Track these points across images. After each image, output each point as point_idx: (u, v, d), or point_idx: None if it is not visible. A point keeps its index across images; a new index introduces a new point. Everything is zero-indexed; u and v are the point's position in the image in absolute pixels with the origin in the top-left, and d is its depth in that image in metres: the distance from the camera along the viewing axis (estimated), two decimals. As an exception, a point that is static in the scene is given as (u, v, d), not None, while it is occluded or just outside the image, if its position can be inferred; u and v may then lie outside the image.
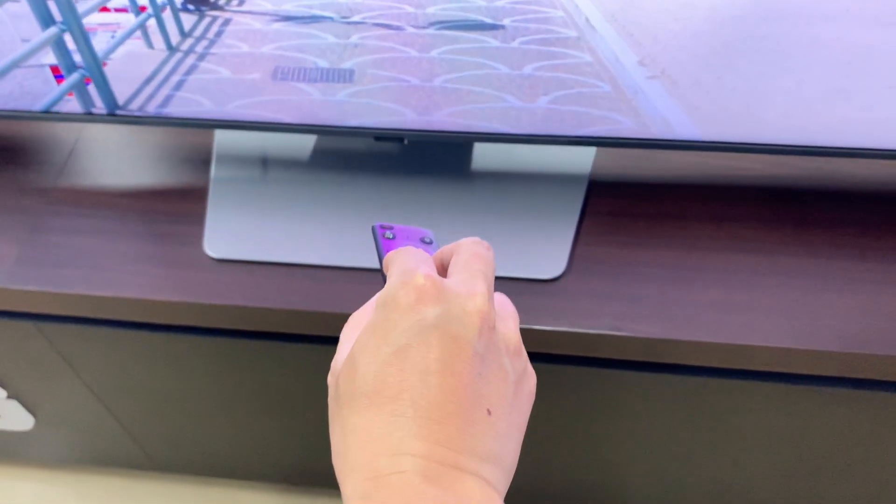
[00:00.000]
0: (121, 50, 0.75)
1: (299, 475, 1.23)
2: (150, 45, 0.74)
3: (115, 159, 0.89)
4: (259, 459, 1.17)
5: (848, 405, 0.78)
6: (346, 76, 0.74)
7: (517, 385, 0.37)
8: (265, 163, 0.85)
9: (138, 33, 0.74)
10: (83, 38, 0.74)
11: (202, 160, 0.86)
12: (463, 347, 0.35)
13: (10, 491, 1.34)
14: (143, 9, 0.72)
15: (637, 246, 0.77)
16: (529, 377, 0.39)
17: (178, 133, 0.89)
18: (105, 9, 0.73)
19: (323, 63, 0.73)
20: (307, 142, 0.86)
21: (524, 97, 0.73)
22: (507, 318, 0.39)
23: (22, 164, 0.89)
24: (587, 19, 0.67)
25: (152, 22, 0.73)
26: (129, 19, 0.73)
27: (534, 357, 0.76)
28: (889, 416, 0.79)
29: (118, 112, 0.77)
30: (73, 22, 0.74)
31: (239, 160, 0.85)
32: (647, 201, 0.80)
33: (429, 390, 0.34)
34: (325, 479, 1.23)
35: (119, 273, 0.78)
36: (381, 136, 0.76)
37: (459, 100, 0.73)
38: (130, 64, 0.76)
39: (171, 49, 0.74)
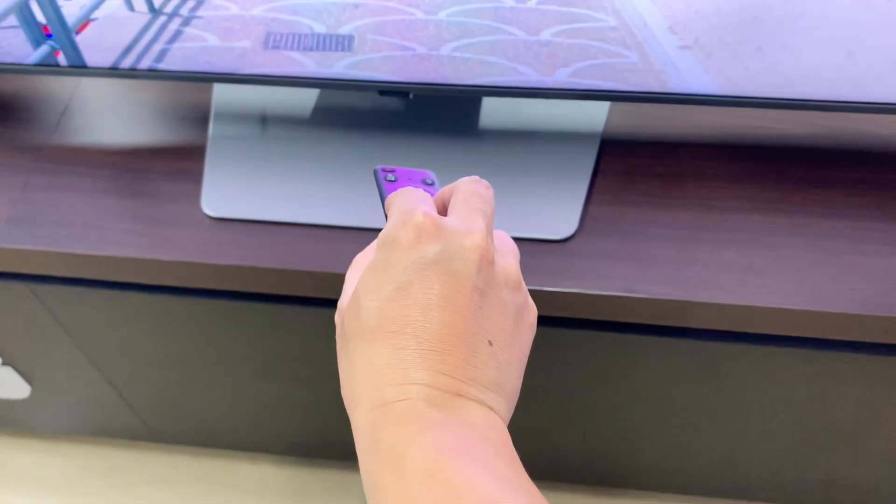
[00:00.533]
0: (97, 13, 0.70)
1: (299, 446, 1.21)
2: (130, 7, 0.70)
3: (110, 117, 0.86)
4: (258, 429, 1.15)
5: (870, 371, 0.76)
6: (344, 43, 0.70)
7: (517, 317, 0.39)
8: (265, 120, 0.82)
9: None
10: (51, 5, 0.70)
11: (200, 118, 0.84)
12: (462, 283, 0.36)
13: (9, 461, 1.33)
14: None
15: (651, 206, 0.74)
16: (530, 310, 0.40)
17: (175, 89, 0.86)
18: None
19: (319, 27, 0.69)
20: (308, 98, 0.83)
21: (542, 68, 0.68)
22: (507, 253, 0.40)
23: (14, 122, 0.86)
24: None
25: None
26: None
27: (543, 319, 0.74)
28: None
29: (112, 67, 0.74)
30: (54, 16, 0.69)
31: (238, 117, 0.82)
32: (661, 160, 0.77)
33: (430, 324, 0.35)
34: (325, 451, 1.21)
35: (114, 232, 0.76)
36: (386, 89, 0.73)
37: (470, 72, 0.69)
38: (108, 30, 0.71)
39: (154, 12, 0.70)
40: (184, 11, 0.69)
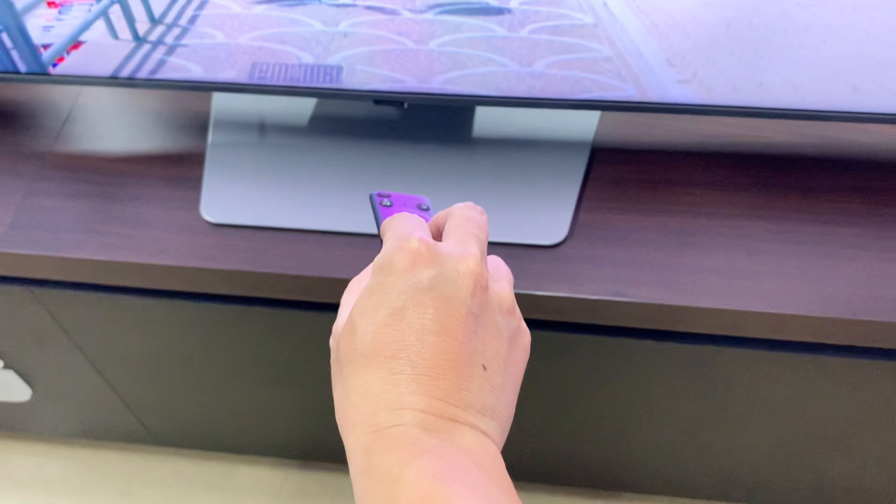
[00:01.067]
0: (85, 35, 0.68)
1: (297, 449, 1.22)
2: (114, 34, 0.69)
3: (112, 125, 0.87)
4: (257, 432, 1.17)
5: (855, 374, 0.77)
6: (332, 76, 0.69)
7: (511, 342, 0.39)
8: (263, 128, 0.84)
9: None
10: (25, 42, 0.68)
11: (199, 125, 0.85)
12: (457, 307, 0.36)
13: (9, 464, 1.34)
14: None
15: (640, 212, 0.75)
16: (523, 334, 0.40)
17: (175, 98, 0.88)
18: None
19: (307, 57, 0.67)
20: (306, 107, 0.84)
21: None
22: (501, 278, 0.41)
23: (17, 130, 0.87)
24: (605, 3, 0.61)
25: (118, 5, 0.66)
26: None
27: (535, 323, 0.76)
28: None
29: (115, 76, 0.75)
30: (12, 21, 0.67)
31: (236, 125, 0.84)
32: (650, 168, 0.78)
33: (425, 349, 0.35)
34: (322, 454, 1.22)
35: (115, 237, 0.77)
36: (381, 99, 0.74)
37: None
38: (90, 60, 0.70)
39: (138, 40, 0.68)
40: (168, 39, 0.68)
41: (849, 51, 0.62)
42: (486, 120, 0.82)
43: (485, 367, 0.36)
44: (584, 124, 0.80)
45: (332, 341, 0.40)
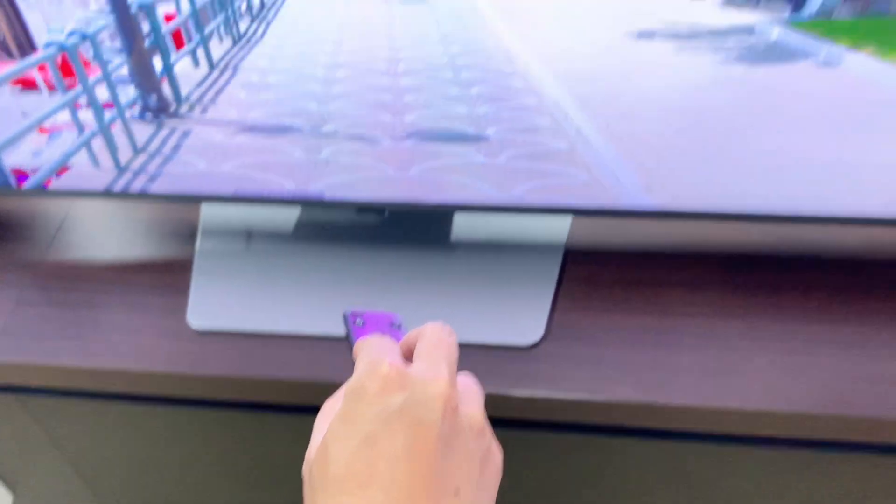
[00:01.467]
0: (72, 160, 0.69)
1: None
2: (95, 163, 0.69)
3: (103, 234, 0.90)
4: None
5: (829, 469, 0.78)
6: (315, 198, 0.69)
7: (483, 463, 0.39)
8: (249, 236, 0.87)
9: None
10: None
11: (188, 234, 0.88)
12: (428, 431, 0.37)
13: (-14, 574, 1.30)
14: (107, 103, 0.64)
15: (614, 312, 0.78)
16: (495, 454, 0.41)
17: (164, 208, 0.91)
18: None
19: (289, 184, 0.68)
20: (291, 215, 0.88)
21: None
22: (471, 398, 0.42)
23: (10, 240, 0.90)
24: (579, 130, 0.62)
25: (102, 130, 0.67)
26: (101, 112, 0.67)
27: (511, 423, 0.77)
28: (870, 478, 0.79)
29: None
30: None
31: (224, 234, 0.87)
32: (622, 268, 0.81)
33: (397, 476, 0.36)
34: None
35: (102, 344, 0.79)
36: (363, 207, 0.78)
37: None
38: (74, 185, 0.70)
39: (120, 169, 0.69)
40: (151, 168, 0.69)
41: (823, 175, 0.64)
42: (463, 224, 0.85)
43: (457, 492, 0.37)
44: (557, 228, 0.84)
45: (304, 467, 0.41)
